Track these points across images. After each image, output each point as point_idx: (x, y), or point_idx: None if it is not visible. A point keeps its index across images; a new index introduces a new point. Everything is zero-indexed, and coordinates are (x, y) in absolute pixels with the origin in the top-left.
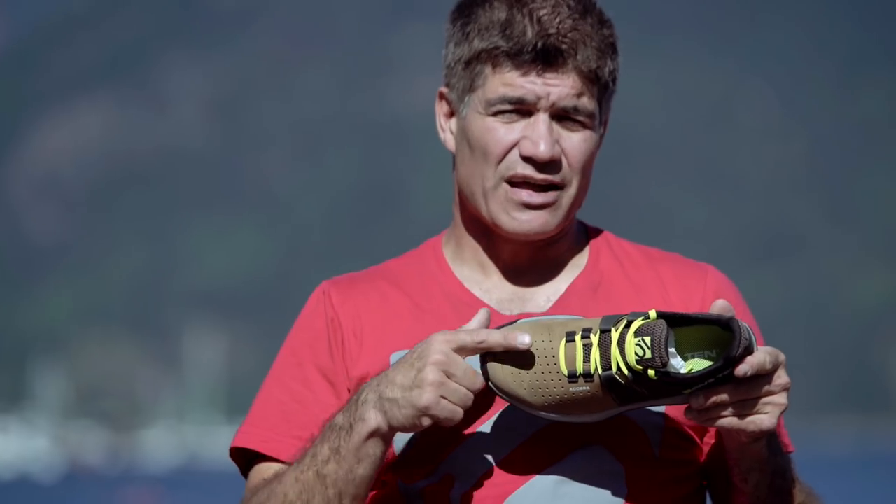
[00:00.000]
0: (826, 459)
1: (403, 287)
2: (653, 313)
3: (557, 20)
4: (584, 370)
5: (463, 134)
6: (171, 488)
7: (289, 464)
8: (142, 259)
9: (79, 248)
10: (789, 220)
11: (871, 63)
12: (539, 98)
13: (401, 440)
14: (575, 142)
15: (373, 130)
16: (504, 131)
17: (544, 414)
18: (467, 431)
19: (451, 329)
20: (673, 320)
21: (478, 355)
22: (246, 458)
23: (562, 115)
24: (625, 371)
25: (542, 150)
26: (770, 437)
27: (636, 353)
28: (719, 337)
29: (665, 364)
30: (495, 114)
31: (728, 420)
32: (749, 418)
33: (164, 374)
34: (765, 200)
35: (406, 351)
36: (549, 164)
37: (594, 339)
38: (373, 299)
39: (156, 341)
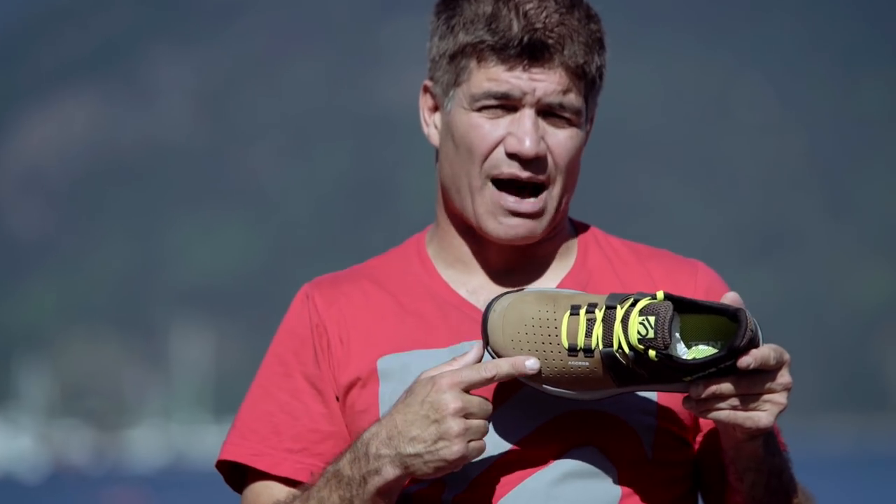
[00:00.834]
0: (824, 459)
1: (387, 287)
2: (660, 294)
3: (544, 14)
4: (584, 345)
5: (447, 129)
6: (158, 488)
7: (282, 479)
8: (127, 255)
9: (63, 245)
10: (787, 216)
11: (870, 56)
12: (525, 93)
13: None
14: (561, 139)
15: (362, 125)
16: (489, 127)
17: (540, 386)
18: None
19: (437, 330)
20: (680, 305)
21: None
22: (235, 470)
23: (547, 112)
24: (626, 349)
25: (528, 146)
26: (767, 437)
27: (639, 332)
28: (725, 328)
29: (667, 346)
30: (480, 109)
31: (726, 413)
32: (747, 414)
33: (150, 373)
34: (762, 196)
35: (395, 355)
36: (535, 162)
37: (598, 314)
38: (357, 301)
39: (142, 339)
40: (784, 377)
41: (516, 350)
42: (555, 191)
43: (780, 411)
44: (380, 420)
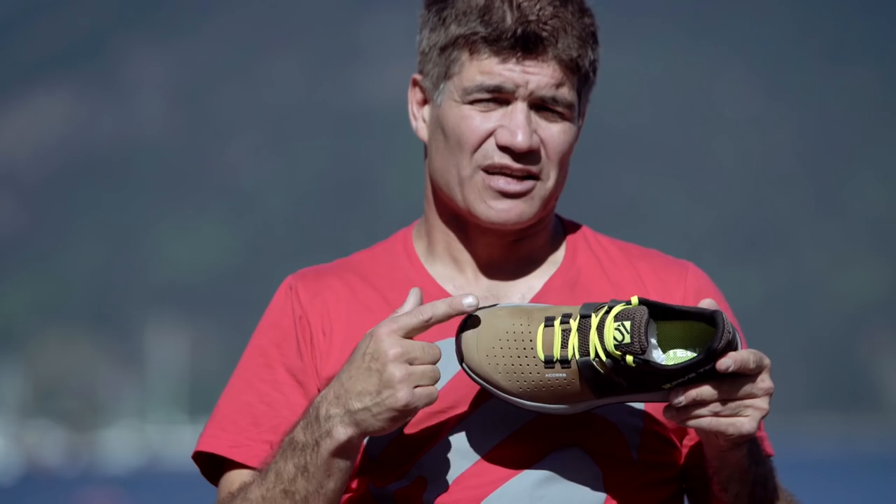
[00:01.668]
0: (810, 460)
1: (372, 282)
2: (634, 300)
3: (538, 7)
4: (561, 356)
5: (437, 122)
6: (132, 489)
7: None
8: (102, 253)
9: (36, 242)
10: (773, 213)
11: (858, 48)
12: (517, 86)
13: (372, 442)
14: (553, 133)
15: (342, 120)
16: (480, 119)
17: (518, 401)
18: (440, 433)
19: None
20: (655, 310)
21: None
22: (212, 462)
23: (540, 105)
24: (602, 357)
25: (520, 139)
26: (751, 446)
27: (615, 339)
28: (703, 334)
29: (644, 350)
30: (472, 102)
31: (708, 421)
32: (729, 420)
33: (124, 372)
34: (747, 193)
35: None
36: (527, 155)
37: (573, 324)
38: (341, 294)
39: (116, 338)
40: (765, 381)
41: (491, 366)
42: (547, 182)
43: (763, 416)
44: (330, 383)
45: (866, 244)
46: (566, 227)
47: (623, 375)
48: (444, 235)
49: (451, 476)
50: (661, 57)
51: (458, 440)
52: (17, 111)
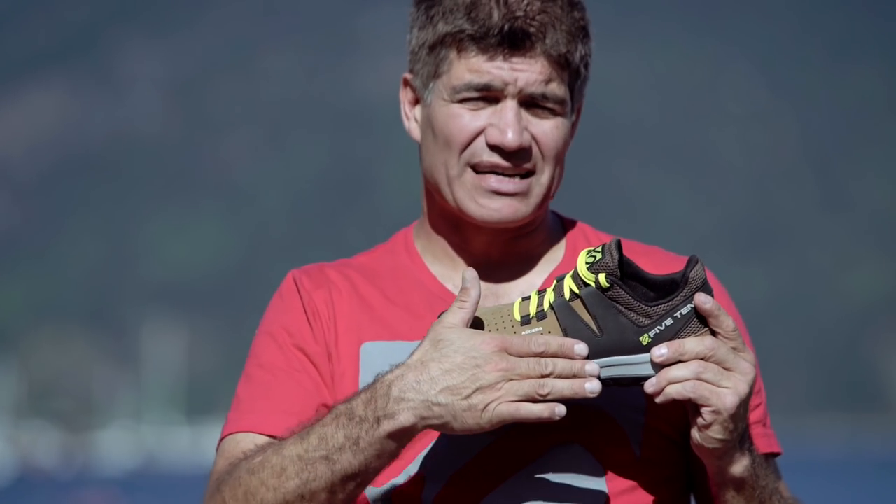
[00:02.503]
0: (816, 461)
1: (375, 280)
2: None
3: (525, 2)
4: (537, 312)
5: (427, 122)
6: (128, 491)
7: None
8: (97, 251)
9: (30, 239)
10: (778, 210)
11: (864, 43)
12: (506, 84)
13: None
14: (546, 129)
15: (339, 115)
16: (469, 118)
17: None
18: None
19: (422, 322)
20: (629, 272)
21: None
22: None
23: (530, 102)
24: (575, 289)
25: (510, 138)
26: (754, 462)
27: (586, 263)
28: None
29: (615, 264)
30: (461, 101)
31: (691, 385)
32: (711, 387)
33: (120, 372)
34: (752, 189)
35: (378, 343)
36: (518, 153)
37: (549, 289)
38: (343, 289)
39: (112, 337)
40: (748, 355)
41: None
42: (542, 178)
43: (741, 399)
44: (404, 364)
45: (873, 242)
46: (565, 225)
47: (599, 309)
48: (440, 235)
49: (450, 473)
50: (665, 53)
51: (456, 436)
52: (9, 107)
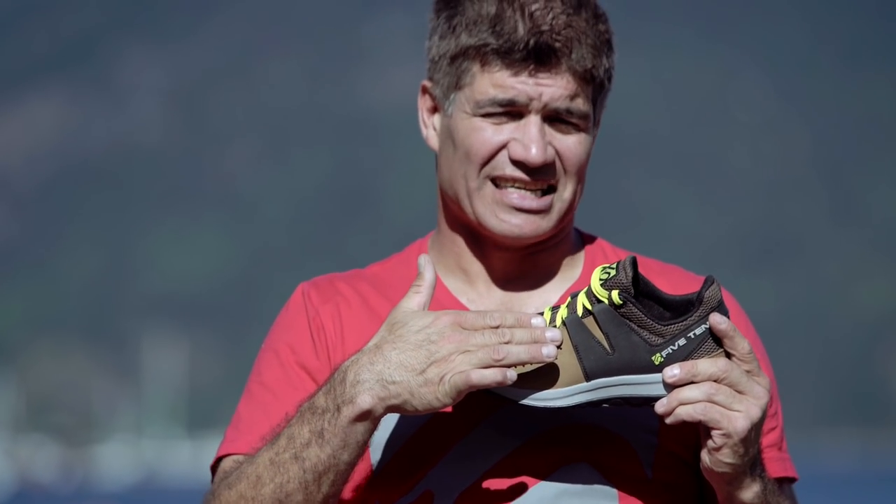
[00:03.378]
0: (828, 476)
1: (386, 292)
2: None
3: (550, 16)
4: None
5: (447, 132)
6: None
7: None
8: (97, 262)
9: (29, 251)
10: (787, 221)
11: (876, 51)
12: (531, 99)
13: (378, 454)
14: (570, 144)
15: (343, 126)
16: (492, 132)
17: (504, 392)
18: (446, 446)
19: None
20: (644, 291)
21: None
22: None
23: (554, 117)
24: (588, 306)
25: (534, 154)
26: (765, 489)
27: (600, 279)
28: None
29: (629, 281)
30: (484, 115)
31: (702, 407)
32: (722, 410)
33: (120, 386)
34: (762, 200)
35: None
36: (541, 169)
37: (562, 306)
38: (353, 302)
39: (112, 350)
40: (763, 380)
41: None
42: (565, 193)
43: (753, 422)
44: (360, 350)
45: (884, 253)
46: (585, 241)
47: (610, 326)
48: (457, 248)
49: (458, 490)
50: (674, 60)
51: (464, 454)
52: (8, 116)
